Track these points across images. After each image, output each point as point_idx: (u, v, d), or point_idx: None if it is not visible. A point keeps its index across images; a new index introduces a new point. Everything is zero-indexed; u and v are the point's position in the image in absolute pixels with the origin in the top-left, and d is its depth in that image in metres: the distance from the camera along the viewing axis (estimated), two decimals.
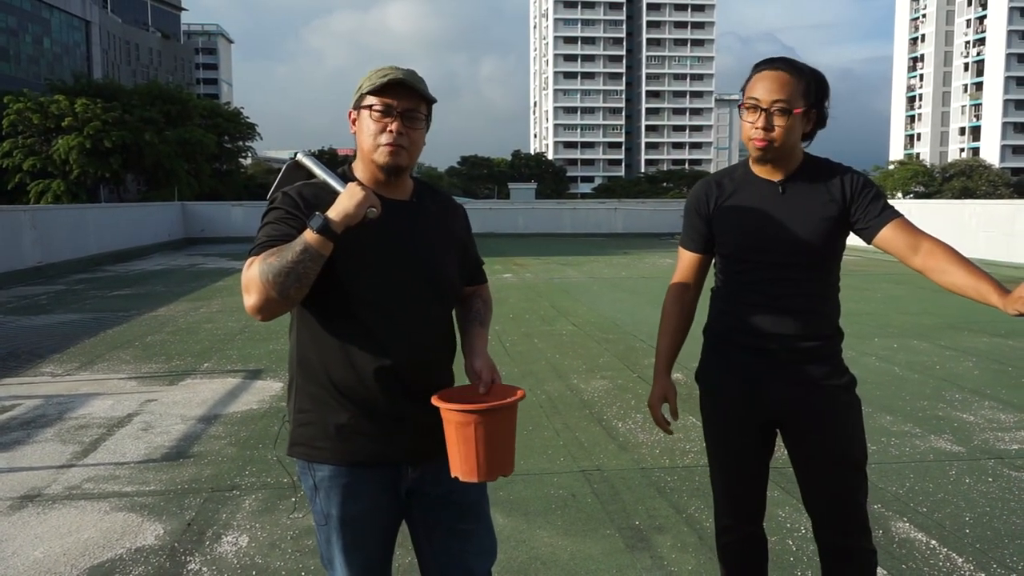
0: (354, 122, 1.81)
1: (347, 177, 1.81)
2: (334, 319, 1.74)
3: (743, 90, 2.07)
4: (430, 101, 1.80)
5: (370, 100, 1.75)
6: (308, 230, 1.62)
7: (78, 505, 3.82)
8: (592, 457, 4.43)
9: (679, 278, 2.29)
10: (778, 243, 2.04)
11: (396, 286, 1.75)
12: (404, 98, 1.74)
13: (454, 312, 1.96)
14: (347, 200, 1.65)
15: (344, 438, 1.76)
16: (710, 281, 2.33)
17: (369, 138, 1.75)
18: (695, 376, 2.29)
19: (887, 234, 2.01)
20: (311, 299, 1.70)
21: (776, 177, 2.09)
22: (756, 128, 2.01)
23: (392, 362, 1.73)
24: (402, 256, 1.77)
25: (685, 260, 2.28)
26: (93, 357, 7.29)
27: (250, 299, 1.63)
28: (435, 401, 1.68)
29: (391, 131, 1.73)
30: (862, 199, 2.04)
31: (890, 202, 2.06)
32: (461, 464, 1.68)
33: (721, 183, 2.18)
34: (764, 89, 2.00)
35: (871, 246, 2.09)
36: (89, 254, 17.44)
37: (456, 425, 1.65)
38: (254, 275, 1.63)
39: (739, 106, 2.09)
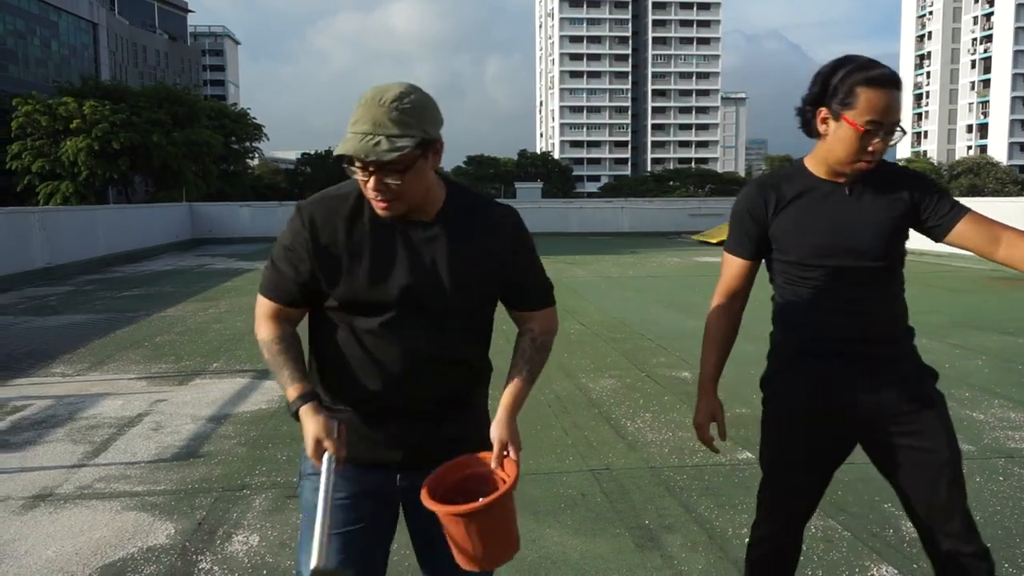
0: None
1: (363, 201, 1.68)
2: (334, 336, 1.73)
3: (829, 89, 1.88)
4: (417, 139, 1.56)
5: (346, 158, 1.59)
6: (289, 393, 1.66)
7: (90, 504, 3.84)
8: (601, 456, 4.43)
9: (727, 286, 2.14)
10: (851, 246, 1.96)
11: (391, 315, 1.68)
12: (372, 164, 1.57)
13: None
14: (306, 436, 1.62)
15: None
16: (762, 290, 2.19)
17: (361, 188, 1.64)
18: (761, 384, 2.18)
19: (962, 229, 1.93)
20: (315, 311, 1.74)
21: (841, 178, 1.99)
22: (870, 151, 1.88)
23: (385, 390, 1.70)
24: (399, 283, 1.67)
25: (734, 267, 2.13)
26: (103, 357, 7.32)
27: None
28: (423, 497, 1.58)
29: (371, 189, 1.59)
30: (930, 198, 1.96)
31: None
32: (458, 554, 1.61)
33: (778, 186, 2.04)
34: (889, 109, 1.85)
35: (941, 243, 2.02)
36: (98, 255, 17.50)
37: (446, 519, 1.56)
38: (259, 336, 1.75)
39: (828, 103, 1.90)
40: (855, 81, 1.85)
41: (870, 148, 1.88)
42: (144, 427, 5.09)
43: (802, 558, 3.15)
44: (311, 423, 1.62)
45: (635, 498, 3.82)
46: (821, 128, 1.94)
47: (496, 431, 1.70)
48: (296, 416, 1.64)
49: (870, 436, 2.07)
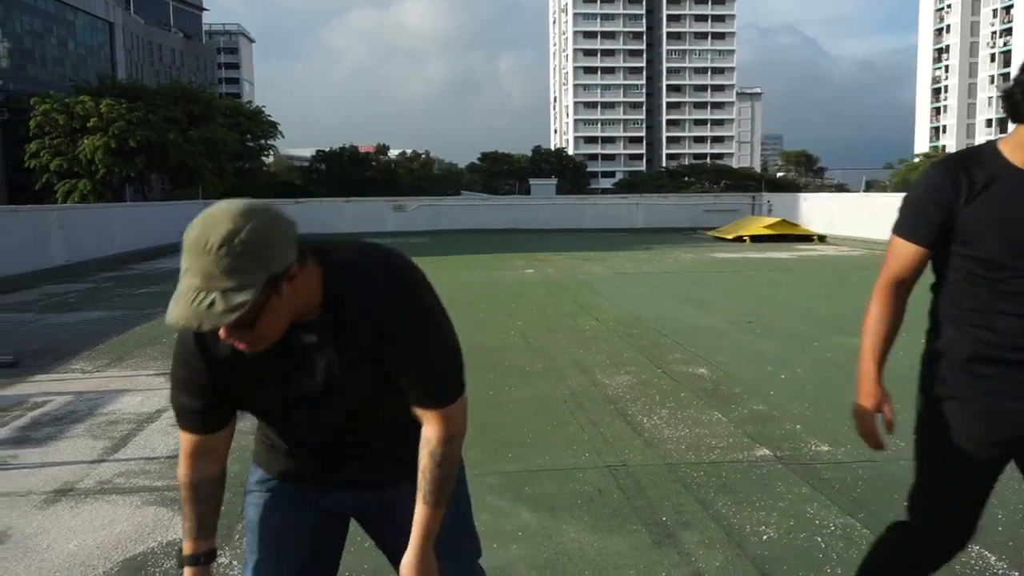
0: None
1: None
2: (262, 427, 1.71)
3: None
4: (255, 286, 1.32)
5: None
6: (184, 546, 1.64)
7: (110, 499, 3.88)
8: (617, 453, 4.42)
9: (898, 274, 1.94)
10: None
11: (293, 421, 1.61)
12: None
13: None
14: None
15: (277, 455, 1.71)
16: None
17: None
18: (928, 394, 2.00)
19: None
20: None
21: None
22: None
23: (298, 459, 1.69)
24: (290, 392, 1.54)
25: (908, 254, 1.91)
26: (122, 354, 7.39)
27: None
28: None
29: (224, 340, 1.41)
30: None
31: None
32: None
33: (969, 171, 1.83)
34: None
35: None
36: (115, 252, 17.66)
37: None
38: (178, 475, 1.66)
39: None
40: None
41: None
42: (163, 423, 5.13)
43: (820, 555, 3.14)
44: None
45: (652, 495, 3.81)
46: None
47: (404, 569, 1.57)
48: (180, 567, 1.64)
49: None
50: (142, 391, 5.99)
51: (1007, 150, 1.83)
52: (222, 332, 1.36)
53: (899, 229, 1.94)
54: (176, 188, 42.08)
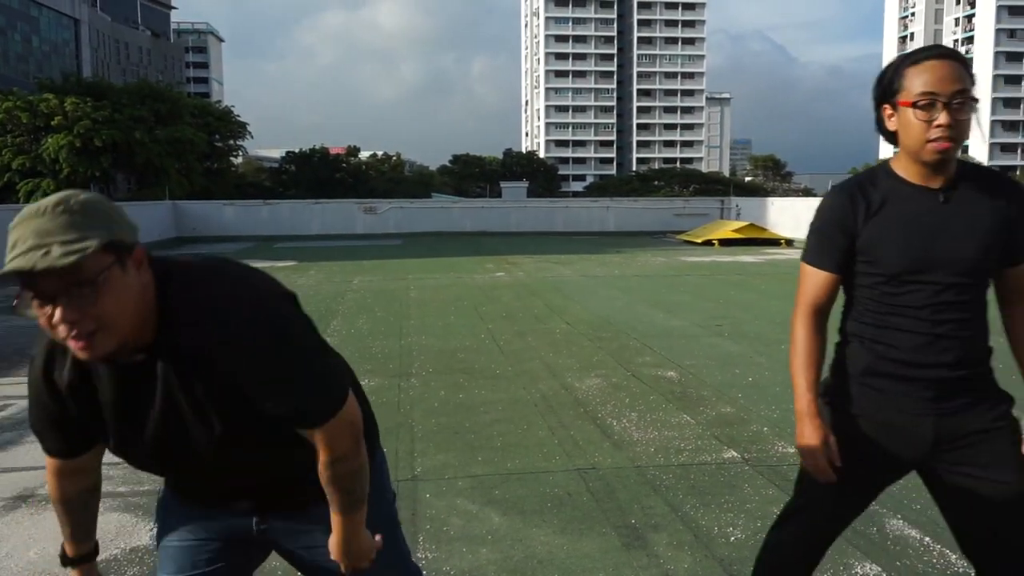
0: None
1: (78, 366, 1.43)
2: None
3: (887, 85, 1.81)
4: (95, 254, 1.20)
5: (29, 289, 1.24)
6: (67, 548, 1.67)
7: None
8: (587, 455, 4.43)
9: (812, 301, 1.95)
10: (944, 261, 1.80)
11: (153, 458, 1.48)
12: (42, 280, 1.20)
13: None
14: None
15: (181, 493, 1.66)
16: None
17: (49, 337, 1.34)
18: (822, 393, 2.00)
19: (1014, 271, 1.87)
20: None
21: (935, 184, 1.82)
22: (937, 127, 1.72)
23: (212, 498, 1.62)
24: (141, 434, 1.42)
25: (819, 281, 1.94)
26: None
27: None
28: None
29: (60, 324, 1.23)
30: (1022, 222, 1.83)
31: None
32: None
33: (865, 192, 1.87)
34: (939, 78, 1.71)
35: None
36: None
37: None
38: (48, 490, 1.62)
39: (890, 98, 1.80)
40: (903, 66, 1.79)
41: (936, 123, 1.73)
42: None
43: None
44: None
45: (621, 497, 3.83)
46: (891, 126, 1.82)
47: (334, 546, 1.56)
48: (64, 566, 1.66)
49: (931, 464, 1.92)
50: None
51: (899, 168, 1.87)
52: (59, 316, 1.20)
53: (808, 256, 1.97)
54: (142, 188, 41.46)
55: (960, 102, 1.72)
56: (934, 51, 1.77)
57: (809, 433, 1.91)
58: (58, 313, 1.21)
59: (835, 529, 2.08)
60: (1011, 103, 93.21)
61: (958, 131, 1.73)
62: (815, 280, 1.95)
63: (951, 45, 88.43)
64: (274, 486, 1.58)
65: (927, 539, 3.35)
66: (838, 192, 1.93)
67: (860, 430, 1.93)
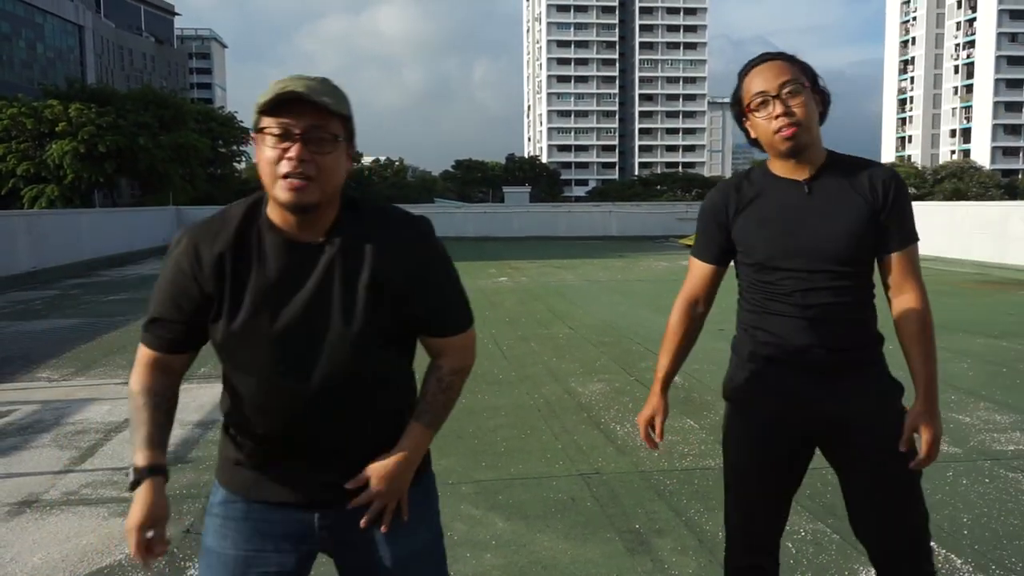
0: (257, 147, 1.48)
1: (252, 223, 1.51)
2: (232, 372, 1.55)
3: (737, 100, 1.94)
4: (344, 117, 1.45)
5: (265, 121, 1.42)
6: (137, 458, 1.51)
7: (76, 511, 3.80)
8: (591, 461, 4.42)
9: (689, 291, 2.10)
10: (808, 248, 1.88)
11: (283, 354, 1.48)
12: (307, 115, 1.40)
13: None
14: (129, 517, 1.48)
15: (245, 468, 1.59)
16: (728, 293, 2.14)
17: (268, 169, 1.43)
18: (723, 394, 2.13)
19: (892, 259, 1.92)
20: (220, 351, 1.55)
21: (801, 176, 1.92)
22: (776, 118, 1.85)
23: (272, 431, 1.53)
24: (288, 321, 1.47)
25: (697, 271, 2.09)
26: (89, 362, 7.26)
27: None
28: None
29: (291, 158, 1.40)
30: (891, 208, 1.89)
31: (915, 217, 1.93)
32: None
33: (740, 187, 2.00)
34: (765, 79, 1.86)
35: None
36: (83, 259, 17.38)
37: None
38: (129, 387, 1.58)
39: (744, 111, 1.93)
40: (740, 81, 1.94)
41: (774, 115, 1.85)
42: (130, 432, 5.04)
43: (791, 561, 3.16)
44: (141, 507, 1.47)
45: (625, 502, 3.82)
46: (753, 134, 1.94)
47: (377, 470, 1.54)
48: (134, 487, 1.49)
49: (826, 446, 2.01)
50: (110, 400, 5.89)
51: (771, 165, 1.98)
52: (294, 152, 1.40)
53: (693, 249, 2.13)
54: (146, 194, 41.54)
55: (788, 91, 1.84)
56: (758, 59, 1.93)
57: (645, 409, 2.13)
58: (295, 149, 1.40)
59: (772, 503, 2.08)
60: (1013, 107, 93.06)
61: (797, 116, 1.85)
62: (695, 271, 2.10)
63: (952, 50, 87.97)
64: (359, 447, 1.55)
65: (932, 544, 3.33)
66: (715, 190, 2.07)
67: (753, 412, 2.02)
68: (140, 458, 1.50)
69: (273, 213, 1.50)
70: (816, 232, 1.88)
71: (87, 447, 4.77)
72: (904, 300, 1.93)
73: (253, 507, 1.57)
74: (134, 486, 1.49)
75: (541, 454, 4.53)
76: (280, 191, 1.42)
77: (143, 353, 1.58)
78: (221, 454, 1.65)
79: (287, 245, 1.48)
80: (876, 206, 1.89)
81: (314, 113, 1.40)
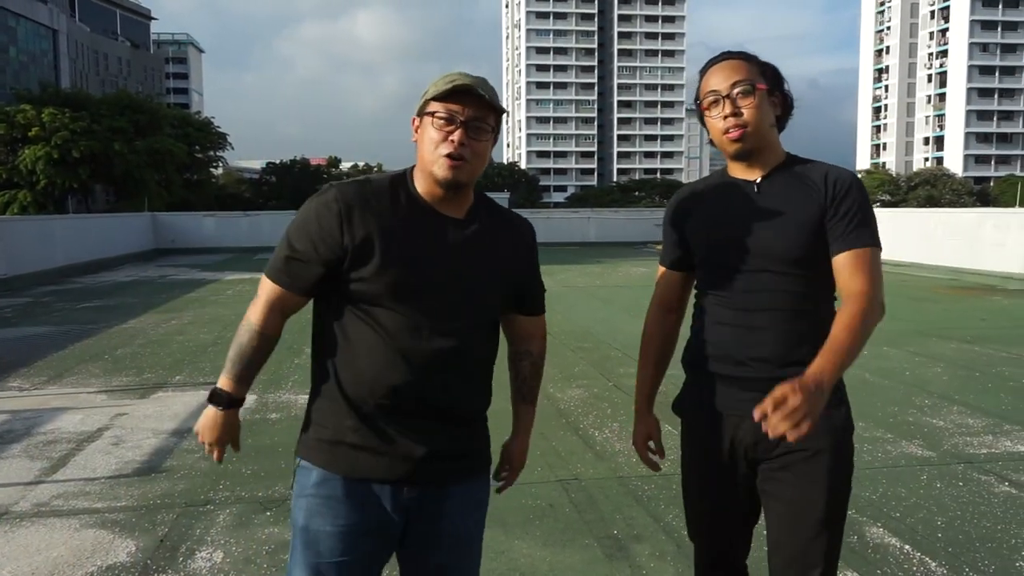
0: (417, 129, 1.72)
1: (398, 191, 1.71)
2: (354, 328, 1.67)
3: (697, 100, 1.91)
4: (500, 111, 1.69)
5: (434, 107, 1.65)
6: (223, 383, 1.75)
7: (47, 522, 3.74)
8: (569, 467, 4.42)
9: (658, 299, 2.08)
10: (746, 246, 1.81)
11: (424, 308, 1.65)
12: (471, 106, 1.64)
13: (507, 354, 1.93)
14: (202, 427, 1.78)
15: (345, 447, 1.68)
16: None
17: (430, 148, 1.65)
18: (671, 407, 2.06)
19: (838, 260, 1.77)
20: (329, 304, 1.71)
21: (753, 176, 1.87)
22: (724, 118, 1.81)
23: (406, 386, 1.65)
24: (435, 278, 1.66)
25: (663, 279, 2.06)
26: (61, 371, 7.16)
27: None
28: None
29: (453, 141, 1.63)
30: (839, 206, 1.77)
31: (868, 220, 1.79)
32: None
33: (696, 190, 2.00)
34: (719, 78, 1.82)
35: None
36: (56, 266, 17.14)
37: None
38: (248, 317, 1.75)
39: (700, 110, 1.89)
40: (700, 76, 1.91)
41: (722, 115, 1.81)
42: (104, 442, 4.98)
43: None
44: (221, 427, 1.77)
45: (604, 508, 3.82)
46: (708, 137, 1.95)
47: (515, 451, 2.01)
48: (213, 401, 1.75)
49: (754, 468, 1.88)
50: (83, 409, 5.80)
51: (731, 169, 1.93)
52: (457, 137, 1.63)
53: (660, 256, 2.10)
54: (121, 200, 41.07)
55: (739, 91, 1.80)
56: (718, 57, 1.90)
57: (637, 430, 2.12)
58: (458, 134, 1.63)
59: (727, 523, 1.97)
60: (984, 115, 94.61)
61: (745, 118, 1.81)
62: (662, 278, 2.09)
63: (926, 59, 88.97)
64: (464, 407, 1.76)
65: (907, 547, 3.37)
66: (676, 195, 2.07)
67: (698, 431, 1.95)
68: (230, 387, 1.74)
69: (421, 186, 1.71)
70: (756, 230, 1.81)
71: (59, 457, 4.70)
72: (850, 300, 1.72)
73: (354, 485, 1.68)
74: (213, 401, 1.75)
75: None
76: (439, 168, 1.64)
77: (269, 290, 1.72)
78: (312, 435, 1.73)
79: (434, 214, 1.70)
80: (825, 205, 1.79)
81: (477, 105, 1.64)
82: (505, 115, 1.73)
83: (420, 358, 1.65)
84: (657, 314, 2.09)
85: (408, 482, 1.70)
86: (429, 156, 1.65)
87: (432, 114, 1.65)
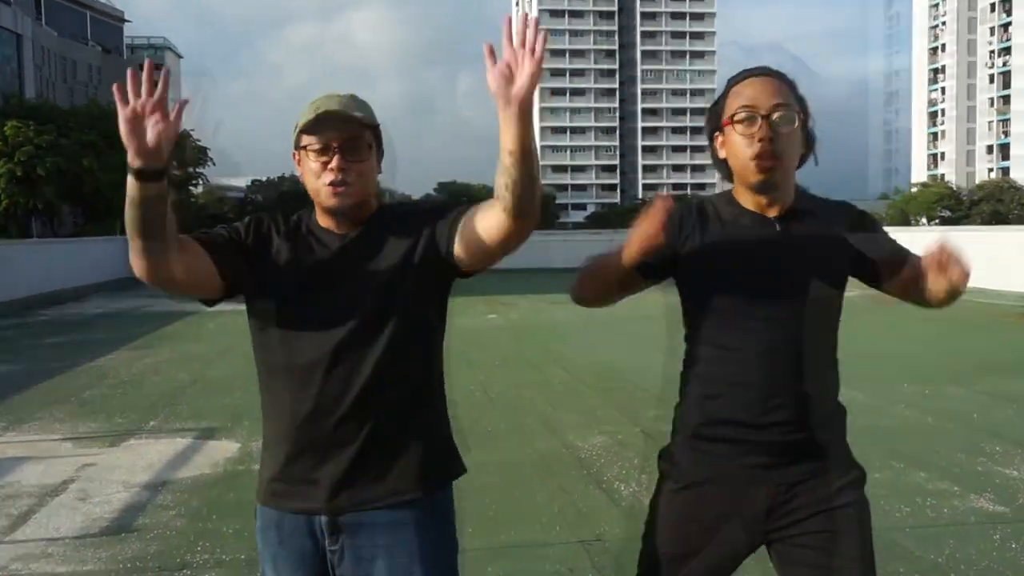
0: (299, 163, 1.85)
1: (301, 220, 1.92)
2: (265, 362, 1.87)
3: (716, 111, 1.90)
4: (374, 127, 1.82)
5: (306, 139, 1.79)
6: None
7: None
8: (592, 526, 4.39)
9: (601, 275, 2.09)
10: (777, 296, 1.81)
11: (309, 338, 1.80)
12: (341, 129, 1.76)
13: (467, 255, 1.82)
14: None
15: (273, 480, 1.87)
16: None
17: (312, 179, 1.80)
18: (660, 468, 2.04)
19: (907, 271, 1.82)
20: (256, 334, 1.89)
21: (772, 212, 1.86)
22: (759, 141, 1.77)
23: (308, 409, 1.79)
24: (316, 301, 1.80)
25: (613, 265, 1.98)
26: (23, 415, 7.19)
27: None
28: None
29: (332, 169, 1.76)
30: (878, 247, 1.88)
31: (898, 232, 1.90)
32: None
33: (703, 209, 1.94)
34: (759, 93, 1.80)
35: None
36: (19, 296, 17.29)
37: None
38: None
39: (723, 125, 1.87)
40: (726, 90, 1.90)
41: (757, 138, 1.78)
42: (69, 496, 4.99)
43: None
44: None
45: (631, 573, 3.77)
46: (722, 154, 1.89)
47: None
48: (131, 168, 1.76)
49: (769, 538, 1.88)
50: (45, 459, 5.82)
51: (737, 195, 1.93)
52: (334, 164, 1.75)
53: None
54: (90, 222, 41.50)
55: (781, 115, 1.79)
56: (755, 70, 1.88)
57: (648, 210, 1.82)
58: (336, 160, 1.76)
59: None
60: None
61: (780, 146, 1.79)
62: (610, 265, 2.01)
63: (987, 57, 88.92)
64: (378, 434, 1.80)
65: None
66: (677, 203, 1.94)
67: (692, 489, 1.92)
68: (135, 162, 1.75)
69: (320, 215, 1.87)
70: (789, 278, 1.83)
71: (19, 514, 4.71)
72: (918, 257, 1.75)
73: (281, 514, 1.86)
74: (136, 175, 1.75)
75: (535, 519, 4.49)
76: (326, 198, 1.79)
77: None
78: (263, 473, 1.91)
79: (332, 233, 1.85)
80: (852, 248, 1.86)
81: (347, 127, 1.77)
82: (377, 127, 1.84)
83: (312, 386, 1.78)
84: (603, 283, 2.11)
85: (326, 511, 1.82)
86: (313, 187, 1.81)
87: (306, 147, 1.79)
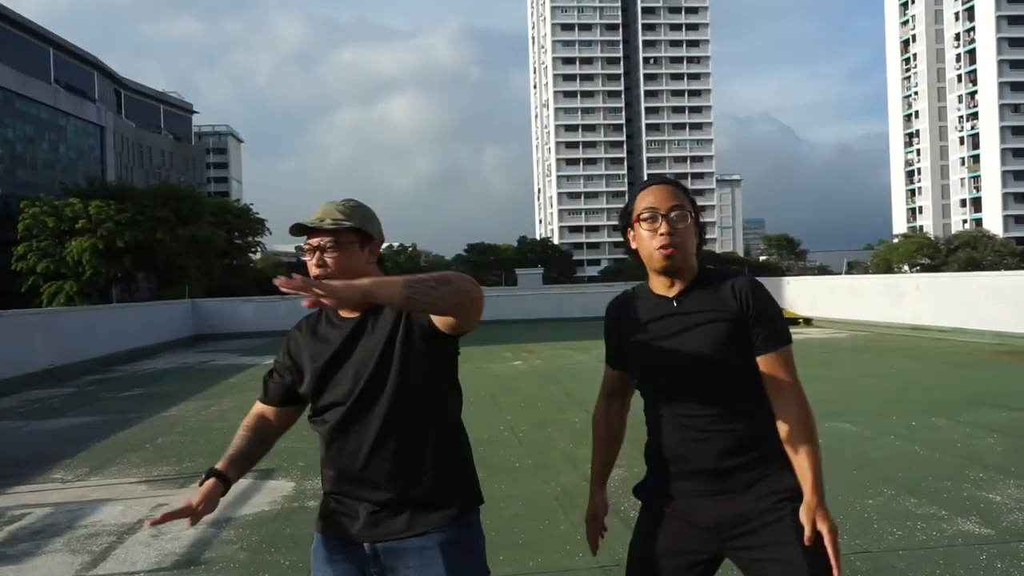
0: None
1: (322, 313, 2.07)
2: (313, 425, 2.05)
3: (627, 212, 2.09)
4: (355, 229, 1.94)
5: (301, 244, 2.01)
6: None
7: None
8: (611, 551, 4.30)
9: (604, 390, 2.28)
10: (675, 361, 1.98)
11: (330, 408, 1.96)
12: (320, 234, 1.94)
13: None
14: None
15: (323, 515, 2.05)
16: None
17: (311, 272, 1.97)
18: (632, 491, 2.20)
19: (762, 360, 1.98)
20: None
21: (671, 292, 2.04)
22: (661, 235, 1.98)
23: (337, 461, 1.96)
24: (332, 378, 1.96)
25: (608, 373, 2.26)
26: (104, 461, 7.24)
27: None
28: None
29: (317, 266, 1.94)
30: (755, 314, 1.98)
31: (787, 320, 2.01)
32: None
33: (627, 301, 2.15)
34: (658, 198, 2.01)
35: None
36: (100, 355, 17.51)
37: None
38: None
39: (632, 223, 2.05)
40: (634, 196, 2.08)
41: (659, 231, 1.98)
42: (144, 534, 5.00)
43: None
44: (198, 493, 1.98)
45: None
46: (633, 245, 2.08)
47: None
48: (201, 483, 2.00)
49: (727, 551, 1.99)
50: (123, 500, 5.85)
51: (652, 283, 2.10)
52: (314, 261, 1.92)
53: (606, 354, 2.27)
54: (163, 287, 42.14)
55: (676, 214, 1.99)
56: (655, 179, 2.09)
57: (588, 508, 2.33)
58: (314, 258, 1.94)
59: None
60: (1021, 175, 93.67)
61: (679, 238, 1.99)
62: (606, 373, 2.27)
63: (956, 122, 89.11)
64: (405, 478, 1.91)
65: None
66: (613, 301, 2.22)
67: (655, 510, 2.08)
68: (219, 463, 2.00)
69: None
70: (680, 345, 1.98)
71: (99, 551, 4.72)
72: (781, 403, 1.96)
73: (328, 540, 2.02)
74: (201, 482, 1.98)
75: (560, 546, 4.44)
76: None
77: (257, 405, 2.15)
78: (322, 504, 2.10)
79: (339, 320, 2.00)
80: (738, 313, 1.98)
81: (317, 233, 1.94)
82: (354, 229, 1.96)
83: (339, 457, 1.96)
84: (603, 404, 2.28)
85: (364, 540, 1.94)
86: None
87: (301, 247, 2.01)
